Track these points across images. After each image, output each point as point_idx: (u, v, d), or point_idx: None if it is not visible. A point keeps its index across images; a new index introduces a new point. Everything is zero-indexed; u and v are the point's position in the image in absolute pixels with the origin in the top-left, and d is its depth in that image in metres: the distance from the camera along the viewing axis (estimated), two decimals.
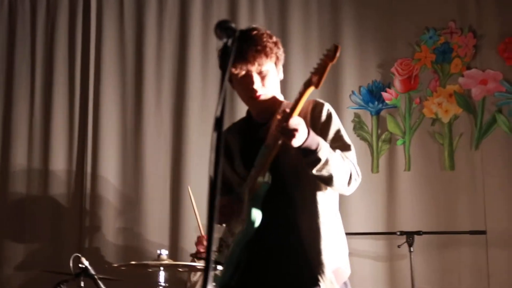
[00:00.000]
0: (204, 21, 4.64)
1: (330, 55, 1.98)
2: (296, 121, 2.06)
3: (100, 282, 3.53)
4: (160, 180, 4.51)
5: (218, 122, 1.43)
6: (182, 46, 4.67)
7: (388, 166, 4.30)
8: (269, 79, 2.31)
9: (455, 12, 4.33)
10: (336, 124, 2.29)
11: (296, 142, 2.05)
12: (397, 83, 4.34)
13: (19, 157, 4.80)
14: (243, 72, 2.29)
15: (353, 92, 4.38)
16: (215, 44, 2.80)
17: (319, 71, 2.02)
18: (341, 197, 3.87)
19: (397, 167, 4.28)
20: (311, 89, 2.04)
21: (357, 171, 2.24)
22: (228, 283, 2.35)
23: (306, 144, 2.06)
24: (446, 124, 4.23)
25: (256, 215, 2.22)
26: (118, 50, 4.80)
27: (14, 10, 5.05)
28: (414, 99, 4.31)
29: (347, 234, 3.79)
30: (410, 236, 3.79)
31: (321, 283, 2.16)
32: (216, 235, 2.10)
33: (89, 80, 4.77)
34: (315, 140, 2.10)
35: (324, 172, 2.12)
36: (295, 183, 2.28)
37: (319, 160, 2.09)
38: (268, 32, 2.34)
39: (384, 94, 4.32)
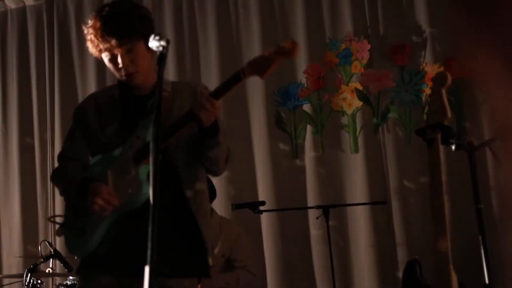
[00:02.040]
0: None
1: (286, 51, 1.97)
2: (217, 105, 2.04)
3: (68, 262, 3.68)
4: None
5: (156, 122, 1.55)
6: None
7: (306, 151, 4.61)
8: (139, 56, 2.20)
9: (352, 23, 4.60)
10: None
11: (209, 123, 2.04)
12: (309, 83, 4.65)
13: None
14: (109, 54, 2.18)
15: (274, 92, 4.72)
16: None
17: (268, 64, 1.99)
18: (267, 179, 4.31)
19: (313, 152, 4.58)
20: (247, 79, 2.05)
21: (230, 152, 2.29)
22: (90, 252, 2.21)
23: (212, 127, 2.08)
24: (350, 115, 4.54)
25: (148, 191, 2.00)
26: None
27: None
28: (324, 95, 4.63)
29: (274, 210, 4.26)
30: (325, 209, 3.88)
31: (209, 258, 2.23)
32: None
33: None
34: (218, 125, 2.14)
35: (215, 154, 2.16)
36: (183, 159, 2.21)
37: (218, 143, 2.14)
38: (134, 4, 2.27)
39: (300, 92, 4.65)
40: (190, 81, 2.30)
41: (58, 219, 3.81)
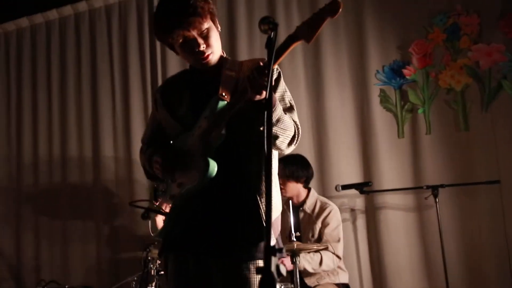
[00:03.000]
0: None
1: (332, 9, 1.80)
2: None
3: None
4: None
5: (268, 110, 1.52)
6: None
7: (411, 131, 4.51)
8: (212, 37, 2.16)
9: None
10: (283, 86, 2.21)
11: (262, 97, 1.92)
12: (414, 60, 4.54)
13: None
14: (185, 38, 2.12)
15: (377, 71, 4.63)
16: None
17: (313, 25, 1.83)
18: (375, 160, 4.35)
19: (419, 132, 4.47)
20: (298, 43, 1.88)
21: (298, 132, 2.16)
22: (171, 233, 2.23)
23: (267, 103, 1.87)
24: (459, 92, 4.39)
25: (214, 166, 2.07)
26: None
27: (93, 22, 5.61)
28: (430, 73, 4.48)
29: (382, 190, 4.28)
30: (435, 189, 4.02)
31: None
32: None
33: (157, 79, 5.23)
34: (275, 100, 2.01)
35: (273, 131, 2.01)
36: (244, 139, 2.12)
37: (275, 121, 2.00)
38: None
39: (404, 71, 4.55)
40: (259, 58, 2.18)
41: (138, 204, 3.89)
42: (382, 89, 4.65)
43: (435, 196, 4.03)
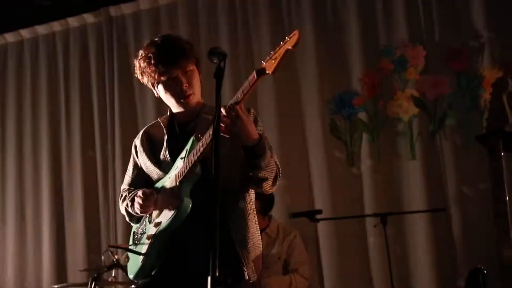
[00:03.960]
0: None
1: (291, 41, 1.90)
2: (246, 118, 2.00)
3: None
4: None
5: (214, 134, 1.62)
6: None
7: (361, 160, 4.58)
8: (194, 79, 2.28)
9: (407, 30, 4.57)
10: (261, 126, 2.28)
11: (238, 132, 1.99)
12: (364, 90, 4.62)
13: None
14: (169, 76, 2.23)
15: (327, 101, 4.71)
16: None
17: (276, 58, 1.92)
18: (324, 187, 4.37)
19: (368, 160, 4.54)
20: (265, 76, 1.97)
21: (279, 173, 2.22)
22: (149, 273, 2.26)
23: (257, 148, 2.04)
24: (407, 122, 4.50)
25: (188, 204, 2.14)
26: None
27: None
28: (379, 102, 4.59)
29: (332, 218, 4.29)
30: (383, 217, 3.92)
31: (245, 272, 2.15)
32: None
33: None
34: (263, 146, 2.08)
35: (260, 175, 2.10)
36: (225, 179, 2.12)
37: (260, 167, 2.07)
38: (180, 36, 2.38)
39: (354, 101, 4.64)
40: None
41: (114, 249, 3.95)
42: (332, 118, 4.74)
43: (384, 224, 4.03)
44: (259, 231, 2.31)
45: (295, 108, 4.80)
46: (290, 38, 1.90)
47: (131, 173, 2.52)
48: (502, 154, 2.37)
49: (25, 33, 5.83)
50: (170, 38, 2.30)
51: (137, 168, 2.48)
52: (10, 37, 5.89)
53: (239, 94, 2.00)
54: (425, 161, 4.45)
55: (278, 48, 1.92)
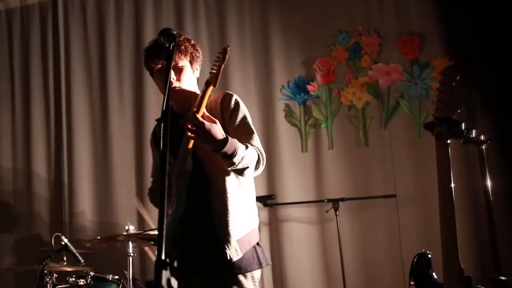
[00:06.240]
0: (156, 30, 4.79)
1: (221, 57, 2.17)
2: (207, 125, 2.13)
3: (78, 255, 3.82)
4: (127, 168, 4.84)
5: (164, 114, 1.67)
6: (139, 55, 4.84)
7: (314, 146, 4.63)
8: (184, 74, 2.42)
9: (362, 17, 4.64)
10: (242, 112, 2.42)
11: (201, 140, 2.15)
12: (318, 77, 4.66)
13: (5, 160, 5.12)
14: (161, 66, 2.40)
15: (282, 86, 4.73)
16: None
17: (215, 72, 2.18)
18: (278, 174, 4.40)
19: (322, 147, 4.60)
20: (211, 88, 2.20)
21: (262, 157, 2.36)
22: (169, 256, 2.41)
23: (225, 149, 2.16)
24: (360, 109, 4.56)
25: (184, 197, 2.29)
26: (84, 61, 5.09)
27: None
28: (333, 90, 4.63)
29: (285, 203, 4.29)
30: (335, 202, 4.15)
31: (227, 252, 2.28)
32: None
33: (61, 92, 5.08)
34: (233, 146, 2.19)
35: (239, 167, 2.24)
36: (209, 169, 2.34)
37: (233, 163, 2.21)
38: (188, 37, 2.51)
39: (309, 87, 4.67)
40: (222, 92, 2.52)
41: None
42: (287, 103, 4.75)
43: (336, 209, 4.15)
44: (248, 212, 2.41)
45: (250, 92, 4.79)
46: (222, 55, 2.16)
47: (154, 163, 2.75)
48: (449, 141, 2.42)
49: None
50: (171, 33, 2.38)
51: (157, 159, 2.65)
52: None
53: (196, 103, 2.21)
54: (376, 148, 4.53)
55: (214, 62, 2.18)
